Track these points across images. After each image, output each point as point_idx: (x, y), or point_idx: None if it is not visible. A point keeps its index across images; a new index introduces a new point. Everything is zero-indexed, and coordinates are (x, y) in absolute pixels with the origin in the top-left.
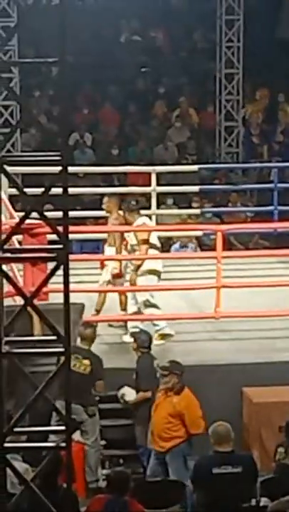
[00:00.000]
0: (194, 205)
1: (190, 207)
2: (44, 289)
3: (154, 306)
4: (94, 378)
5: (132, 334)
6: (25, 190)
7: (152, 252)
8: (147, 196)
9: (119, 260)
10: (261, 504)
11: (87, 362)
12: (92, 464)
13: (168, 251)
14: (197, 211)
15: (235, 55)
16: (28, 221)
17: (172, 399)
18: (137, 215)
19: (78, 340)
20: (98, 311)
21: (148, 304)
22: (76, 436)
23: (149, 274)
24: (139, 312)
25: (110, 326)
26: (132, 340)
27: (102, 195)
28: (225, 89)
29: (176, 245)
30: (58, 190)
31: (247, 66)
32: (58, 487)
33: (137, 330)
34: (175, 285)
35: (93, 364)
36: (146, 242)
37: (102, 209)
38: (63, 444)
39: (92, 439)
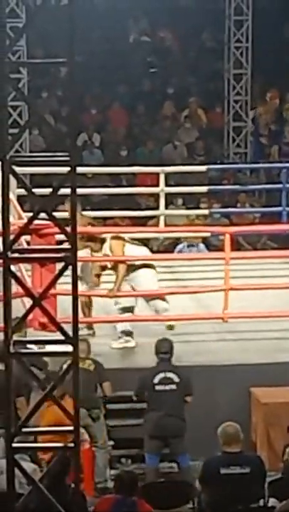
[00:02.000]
0: (202, 205)
1: (198, 207)
2: (52, 291)
3: (129, 309)
4: (98, 377)
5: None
6: (34, 190)
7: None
8: (156, 197)
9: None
10: (269, 505)
11: (89, 361)
12: (101, 465)
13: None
14: (205, 212)
15: (244, 55)
16: (36, 221)
17: None
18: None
19: None
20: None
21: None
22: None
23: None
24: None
25: None
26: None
27: (111, 195)
28: (233, 90)
29: (181, 245)
30: (67, 191)
31: (256, 66)
32: (66, 487)
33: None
34: (183, 288)
35: (96, 364)
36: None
37: (111, 209)
38: (71, 445)
39: (101, 441)
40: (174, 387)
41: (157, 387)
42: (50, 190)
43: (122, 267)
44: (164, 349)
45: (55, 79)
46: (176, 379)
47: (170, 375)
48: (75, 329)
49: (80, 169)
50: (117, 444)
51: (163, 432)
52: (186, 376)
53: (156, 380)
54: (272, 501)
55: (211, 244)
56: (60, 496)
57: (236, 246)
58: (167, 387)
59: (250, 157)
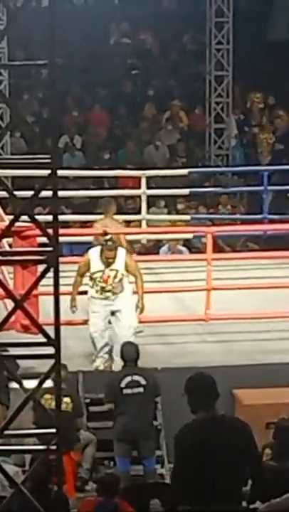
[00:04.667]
0: (180, 206)
1: (180, 209)
2: (34, 292)
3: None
4: (76, 415)
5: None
6: (15, 193)
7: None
8: (138, 199)
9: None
10: (251, 506)
11: (68, 400)
12: (86, 467)
13: (157, 253)
14: (187, 217)
15: (225, 57)
16: (18, 224)
17: None
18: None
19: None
20: None
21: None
22: None
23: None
24: None
25: None
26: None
27: (92, 198)
28: (215, 92)
29: (165, 248)
30: (48, 193)
31: (237, 68)
32: (49, 489)
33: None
34: (165, 287)
35: (74, 401)
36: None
37: (92, 213)
38: (54, 447)
39: (87, 466)
40: (141, 390)
41: (125, 391)
42: (32, 192)
43: (140, 278)
44: (130, 353)
45: (36, 81)
46: (142, 381)
47: (137, 378)
48: (57, 331)
49: (61, 172)
50: (99, 446)
51: (130, 435)
52: (152, 378)
53: (123, 384)
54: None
55: (193, 247)
56: (43, 499)
57: (217, 249)
58: (135, 391)
59: (232, 159)
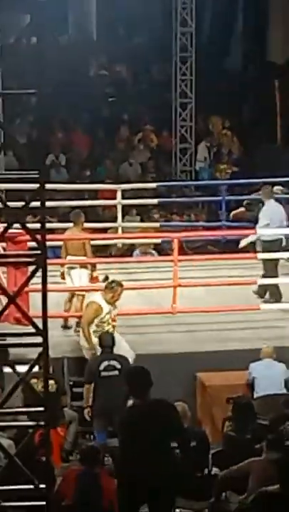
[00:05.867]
0: (154, 215)
1: (150, 217)
2: (25, 289)
3: None
4: (59, 394)
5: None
6: (8, 203)
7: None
8: (114, 209)
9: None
10: (213, 473)
11: (52, 382)
12: (70, 441)
13: (131, 255)
14: (157, 224)
15: (188, 86)
16: (11, 230)
17: None
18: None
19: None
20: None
21: None
22: None
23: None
24: None
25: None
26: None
27: (74, 207)
28: (180, 116)
29: (137, 251)
30: (37, 204)
31: (198, 96)
32: (37, 460)
33: None
34: (138, 285)
35: (58, 382)
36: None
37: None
38: (42, 423)
39: (70, 439)
40: (116, 372)
41: (102, 374)
42: (23, 203)
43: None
44: (107, 341)
45: (26, 107)
46: (118, 366)
47: (113, 362)
48: (45, 323)
49: (48, 186)
50: (81, 422)
51: (107, 411)
52: (126, 363)
53: (101, 367)
54: (215, 470)
55: (163, 250)
56: (33, 467)
57: (182, 251)
58: (111, 373)
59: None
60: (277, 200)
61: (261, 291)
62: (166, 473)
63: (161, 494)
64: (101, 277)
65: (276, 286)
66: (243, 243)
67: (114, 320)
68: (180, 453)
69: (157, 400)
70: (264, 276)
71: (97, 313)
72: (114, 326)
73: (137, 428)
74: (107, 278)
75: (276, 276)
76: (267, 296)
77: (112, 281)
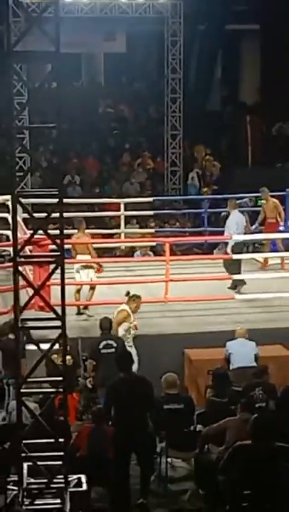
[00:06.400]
0: (151, 224)
1: (147, 225)
2: (47, 283)
3: None
4: (75, 367)
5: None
6: (34, 214)
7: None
8: (118, 218)
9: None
10: (197, 429)
11: (69, 357)
12: (82, 404)
13: (132, 256)
14: (152, 231)
15: (178, 121)
16: (36, 236)
17: None
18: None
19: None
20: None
21: None
22: None
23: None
24: None
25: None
26: None
27: (87, 217)
28: (171, 145)
29: (138, 252)
30: (57, 215)
31: (186, 129)
32: (57, 419)
33: None
34: (137, 279)
35: (73, 357)
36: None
37: (87, 228)
38: (61, 390)
39: (83, 403)
40: (113, 350)
41: (102, 351)
42: (45, 214)
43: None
44: (106, 324)
45: (48, 138)
46: (114, 344)
47: (110, 342)
48: (63, 310)
49: (65, 200)
50: (91, 390)
51: (107, 381)
52: (121, 342)
53: (101, 346)
54: (199, 427)
55: (157, 252)
56: (53, 425)
57: (173, 253)
58: (109, 350)
59: (183, 191)
60: (240, 211)
61: (233, 285)
62: (143, 430)
63: (143, 445)
64: (106, 274)
65: (243, 280)
66: (228, 248)
67: (136, 328)
68: (150, 416)
69: (137, 376)
70: (229, 272)
71: (125, 318)
72: (134, 336)
73: (121, 394)
74: (128, 293)
75: (239, 272)
76: (238, 288)
77: (134, 295)
